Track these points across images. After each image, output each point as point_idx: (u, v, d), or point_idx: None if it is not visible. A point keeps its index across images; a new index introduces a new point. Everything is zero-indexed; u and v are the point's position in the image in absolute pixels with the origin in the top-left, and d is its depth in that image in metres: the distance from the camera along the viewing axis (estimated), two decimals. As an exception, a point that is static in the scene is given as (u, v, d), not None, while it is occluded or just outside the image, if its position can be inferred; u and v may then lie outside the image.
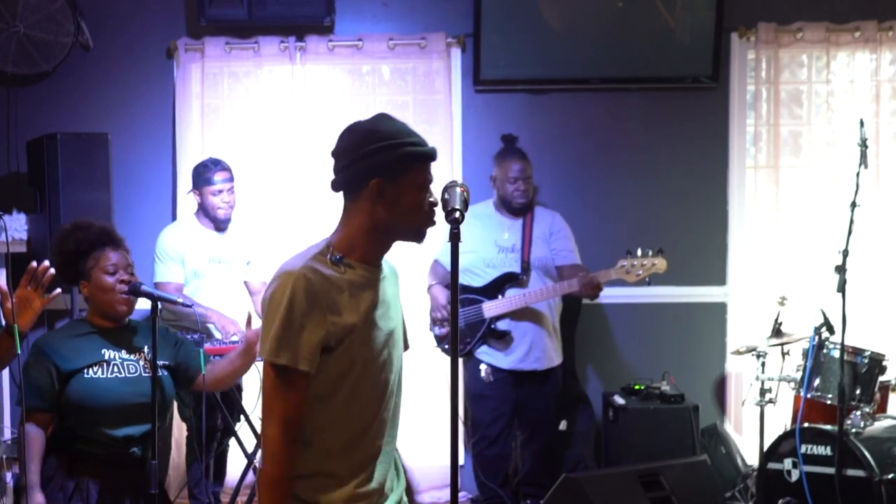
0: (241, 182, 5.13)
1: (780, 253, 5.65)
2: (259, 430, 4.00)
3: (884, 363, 4.83)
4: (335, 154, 2.39)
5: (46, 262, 3.05)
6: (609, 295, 5.31)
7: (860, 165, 4.60)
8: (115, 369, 3.27)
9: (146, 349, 3.34)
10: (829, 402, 4.74)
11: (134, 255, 3.45)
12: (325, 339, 2.31)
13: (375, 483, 2.43)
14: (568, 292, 4.93)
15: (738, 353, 5.11)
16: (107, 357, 3.28)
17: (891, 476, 4.36)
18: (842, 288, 4.44)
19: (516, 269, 5.00)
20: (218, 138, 5.57)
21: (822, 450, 4.53)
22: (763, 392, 4.92)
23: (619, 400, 5.21)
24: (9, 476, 4.36)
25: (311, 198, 5.41)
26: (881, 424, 4.69)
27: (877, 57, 5.62)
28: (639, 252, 4.82)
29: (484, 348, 5.03)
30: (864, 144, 4.62)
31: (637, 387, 5.33)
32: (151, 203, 5.60)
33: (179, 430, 5.33)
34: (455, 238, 2.26)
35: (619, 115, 5.74)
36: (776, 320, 4.98)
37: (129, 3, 5.63)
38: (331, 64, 5.62)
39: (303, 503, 2.37)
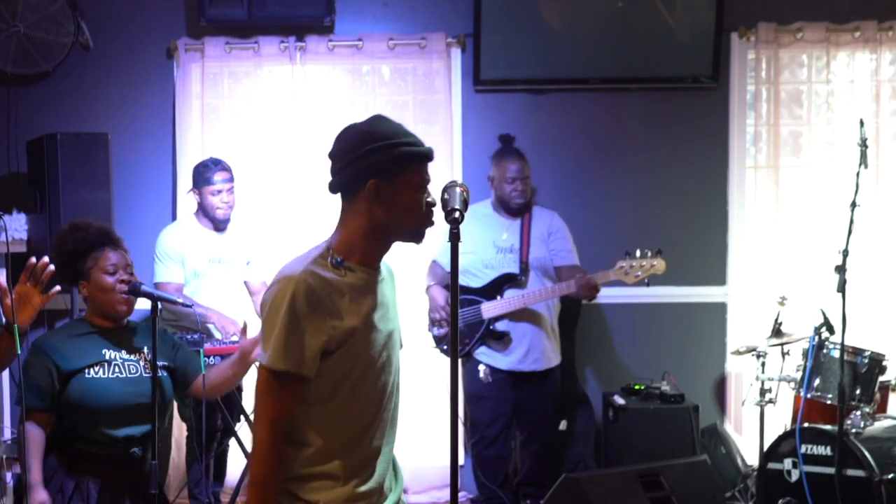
0: (241, 182, 5.13)
1: (780, 253, 5.65)
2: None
3: (884, 363, 4.83)
4: (331, 156, 2.40)
5: (46, 259, 3.03)
6: (609, 295, 5.32)
7: (860, 165, 4.60)
8: (117, 369, 3.28)
9: (146, 349, 3.35)
10: (829, 402, 4.74)
11: (134, 255, 3.45)
12: (327, 343, 2.31)
13: (375, 483, 2.44)
14: (565, 293, 4.93)
15: (738, 353, 5.11)
16: (108, 357, 3.28)
17: (891, 476, 4.35)
18: (842, 288, 4.43)
19: (515, 269, 4.99)
20: (218, 138, 5.57)
21: (822, 450, 4.53)
22: (763, 392, 4.92)
23: (619, 400, 5.21)
24: (9, 476, 4.35)
25: (310, 198, 5.41)
26: (881, 424, 4.69)
27: (877, 57, 5.62)
28: (637, 253, 4.82)
29: (482, 349, 5.03)
30: (864, 144, 4.62)
31: (637, 387, 5.33)
32: (151, 203, 5.60)
33: (179, 430, 5.34)
34: (455, 238, 2.25)
35: (619, 115, 5.74)
36: (776, 320, 4.97)
37: (129, 3, 5.63)
38: (331, 64, 5.62)
39: (304, 503, 2.37)
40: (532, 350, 5.00)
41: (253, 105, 5.62)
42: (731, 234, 5.71)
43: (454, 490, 2.29)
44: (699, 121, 5.72)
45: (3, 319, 3.05)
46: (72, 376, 3.22)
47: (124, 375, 3.27)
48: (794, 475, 4.62)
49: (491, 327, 4.98)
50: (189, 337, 4.23)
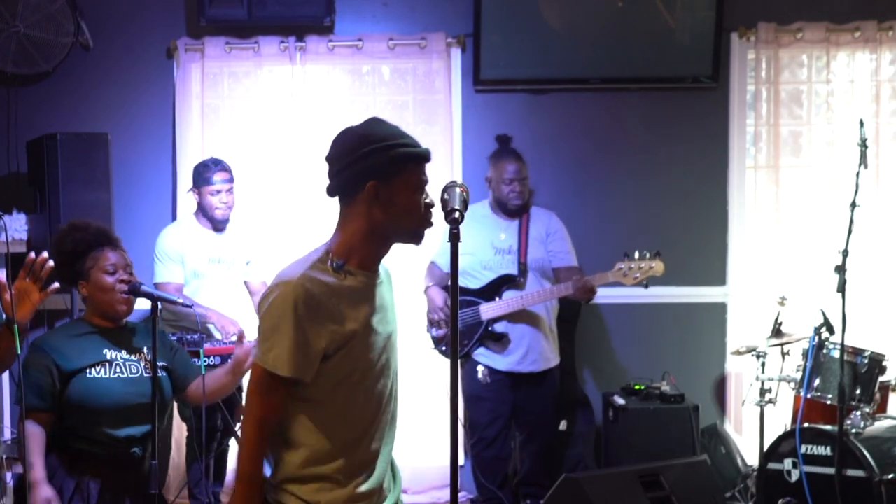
0: (240, 182, 5.13)
1: (780, 253, 5.64)
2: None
3: (884, 363, 4.83)
4: (329, 160, 2.40)
5: (45, 254, 3.01)
6: (609, 295, 5.32)
7: (860, 165, 4.60)
8: (118, 369, 3.28)
9: (146, 350, 3.35)
10: (829, 402, 4.74)
11: (134, 255, 3.45)
12: (327, 347, 2.32)
13: (375, 483, 2.45)
14: (563, 295, 4.92)
15: (738, 353, 5.11)
16: (108, 357, 3.28)
17: (891, 476, 4.35)
18: (842, 288, 4.43)
19: (513, 270, 4.99)
20: (218, 138, 5.57)
21: (822, 450, 4.53)
22: (763, 392, 4.92)
23: (619, 400, 5.21)
24: (9, 476, 4.35)
25: (310, 198, 5.40)
26: (881, 424, 4.69)
27: (877, 57, 5.62)
28: (636, 255, 4.81)
29: (481, 350, 5.02)
30: (863, 144, 4.62)
31: (637, 387, 5.33)
32: (151, 203, 5.60)
33: (179, 430, 5.34)
34: (455, 238, 2.25)
35: (619, 115, 5.74)
36: (776, 320, 4.97)
37: (129, 3, 5.63)
38: (331, 64, 5.62)
39: (304, 503, 2.38)
40: (530, 351, 4.99)
41: (253, 105, 5.62)
42: (731, 235, 5.71)
43: (454, 490, 2.29)
44: (699, 121, 5.72)
45: (3, 316, 3.04)
46: (73, 376, 3.22)
47: (126, 375, 3.28)
48: (794, 475, 4.62)
49: (489, 328, 4.98)
50: (189, 337, 4.23)
